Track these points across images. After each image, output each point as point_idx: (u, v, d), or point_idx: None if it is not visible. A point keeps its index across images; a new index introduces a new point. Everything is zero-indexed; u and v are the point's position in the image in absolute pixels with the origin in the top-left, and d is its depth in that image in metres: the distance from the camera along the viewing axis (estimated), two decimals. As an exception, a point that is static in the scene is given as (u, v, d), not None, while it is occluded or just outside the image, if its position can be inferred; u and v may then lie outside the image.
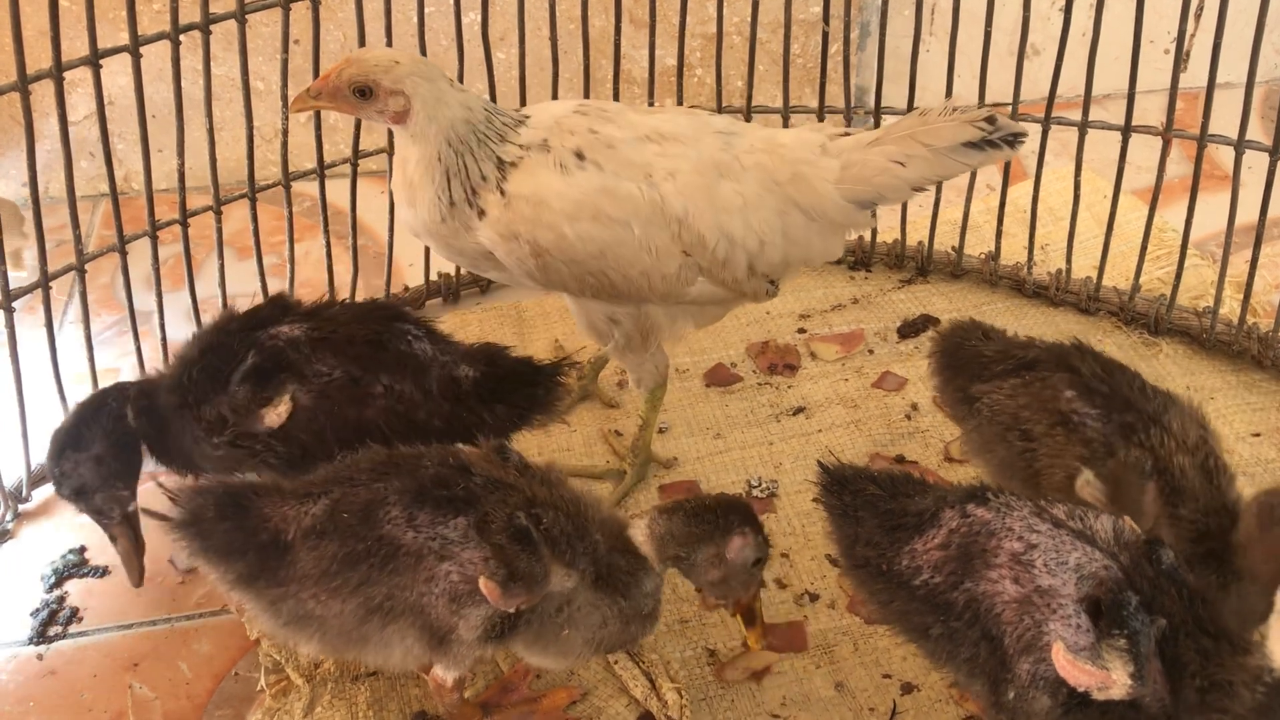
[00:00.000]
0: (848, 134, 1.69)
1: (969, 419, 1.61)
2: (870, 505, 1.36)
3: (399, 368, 1.57)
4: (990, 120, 1.60)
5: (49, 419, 1.71)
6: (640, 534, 1.39)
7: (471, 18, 2.21)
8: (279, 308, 1.62)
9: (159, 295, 1.98)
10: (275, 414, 1.53)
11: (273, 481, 1.39)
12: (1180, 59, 1.96)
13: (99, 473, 1.57)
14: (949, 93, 2.14)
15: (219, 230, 2.02)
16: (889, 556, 1.32)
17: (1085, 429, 1.48)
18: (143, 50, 1.81)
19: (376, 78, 1.57)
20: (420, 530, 1.32)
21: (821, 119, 2.24)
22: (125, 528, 1.61)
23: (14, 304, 1.78)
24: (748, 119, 2.20)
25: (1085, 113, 2.07)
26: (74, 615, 1.70)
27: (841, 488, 1.39)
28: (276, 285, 2.13)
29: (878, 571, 1.33)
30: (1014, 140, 1.60)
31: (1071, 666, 1.18)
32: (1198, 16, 2.05)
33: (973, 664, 1.27)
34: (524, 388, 1.63)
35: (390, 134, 2.11)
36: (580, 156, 1.62)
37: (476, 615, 1.33)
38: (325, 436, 1.53)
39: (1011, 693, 1.23)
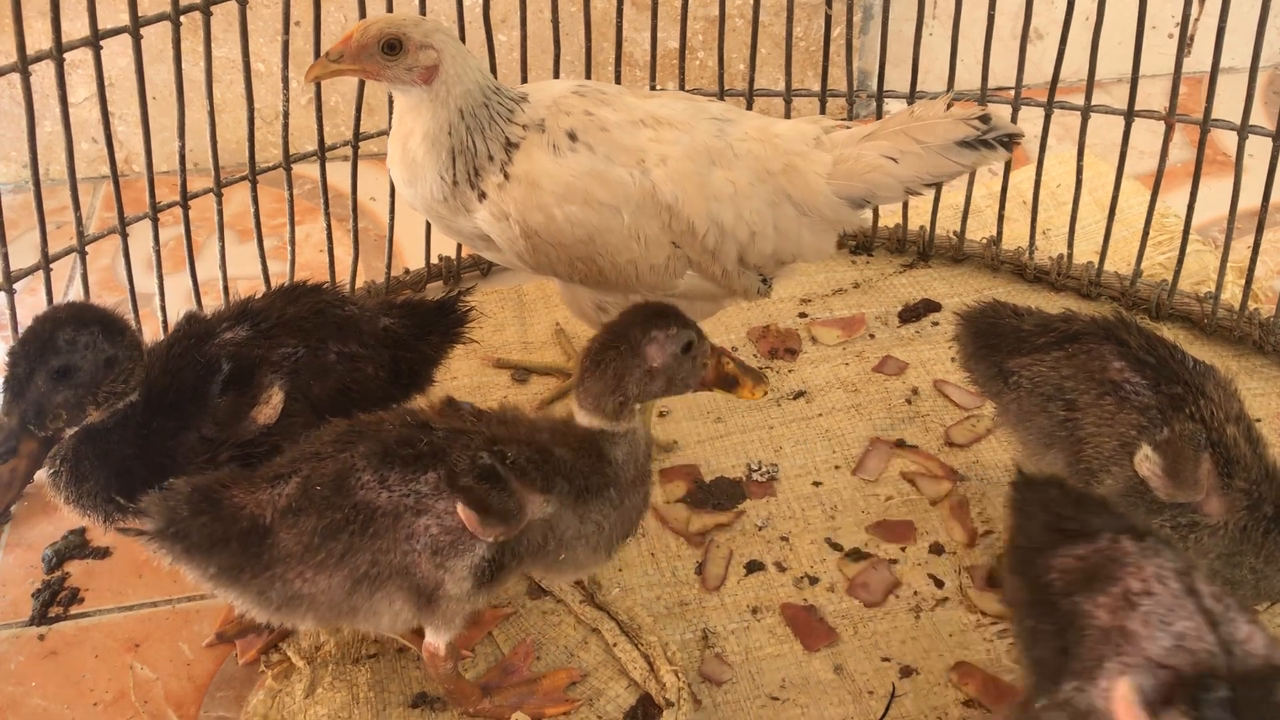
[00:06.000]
0: (845, 127, 1.67)
1: (1003, 393, 1.62)
2: (1045, 505, 1.35)
3: (340, 332, 1.60)
4: (984, 119, 1.58)
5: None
6: (582, 417, 1.39)
7: (473, -1, 2.21)
8: (198, 321, 1.57)
9: (160, 277, 1.98)
10: (269, 409, 1.50)
11: (239, 471, 1.38)
12: (1184, 43, 1.95)
13: (88, 373, 1.39)
14: (951, 77, 2.13)
15: (220, 212, 2.01)
16: (1037, 551, 1.31)
17: (1140, 398, 1.49)
18: (143, 31, 1.81)
19: (407, 30, 1.55)
20: (394, 490, 1.33)
21: (824, 102, 2.24)
22: (41, 451, 1.41)
23: (15, 285, 1.79)
24: (750, 102, 2.19)
25: (1088, 97, 2.06)
26: (75, 596, 1.70)
27: (1029, 486, 1.39)
28: (278, 267, 2.13)
29: (1023, 561, 1.32)
30: (1008, 141, 1.58)
31: (1127, 705, 1.10)
32: (1201, 1, 2.05)
33: (1037, 666, 1.25)
34: (440, 317, 1.71)
35: (391, 113, 2.11)
36: (573, 138, 1.61)
37: (461, 566, 1.34)
38: (310, 417, 1.53)
39: (1039, 703, 1.21)
